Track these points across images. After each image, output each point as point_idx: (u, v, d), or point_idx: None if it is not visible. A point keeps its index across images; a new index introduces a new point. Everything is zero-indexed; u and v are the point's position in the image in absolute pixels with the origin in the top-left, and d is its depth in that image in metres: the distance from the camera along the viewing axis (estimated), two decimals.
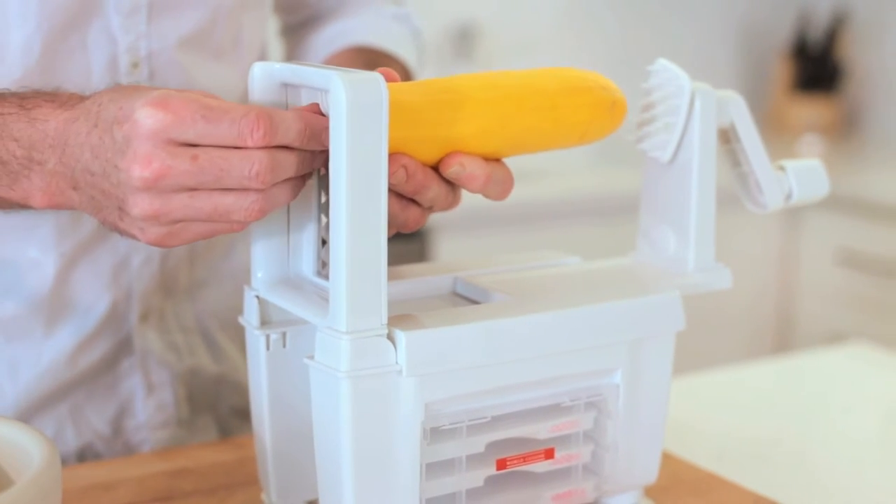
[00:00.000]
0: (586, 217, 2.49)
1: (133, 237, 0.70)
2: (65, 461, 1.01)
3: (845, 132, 3.33)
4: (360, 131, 0.64)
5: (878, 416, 1.18)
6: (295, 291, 0.74)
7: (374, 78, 0.65)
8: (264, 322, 0.76)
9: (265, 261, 0.75)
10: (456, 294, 0.79)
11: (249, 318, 0.76)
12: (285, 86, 0.73)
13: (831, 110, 3.24)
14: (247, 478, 0.87)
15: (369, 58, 1.06)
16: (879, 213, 2.69)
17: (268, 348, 0.75)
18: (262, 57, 1.08)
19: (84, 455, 1.00)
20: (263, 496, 0.80)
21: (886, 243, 2.68)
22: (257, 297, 0.75)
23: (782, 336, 2.93)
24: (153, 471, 0.88)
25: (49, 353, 0.96)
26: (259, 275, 0.75)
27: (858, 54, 3.38)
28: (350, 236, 0.65)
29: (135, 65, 0.94)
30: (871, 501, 0.95)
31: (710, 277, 0.81)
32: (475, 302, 0.77)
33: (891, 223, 2.67)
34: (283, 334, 0.75)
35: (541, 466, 0.75)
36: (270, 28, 1.14)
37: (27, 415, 0.98)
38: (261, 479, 0.79)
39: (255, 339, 0.76)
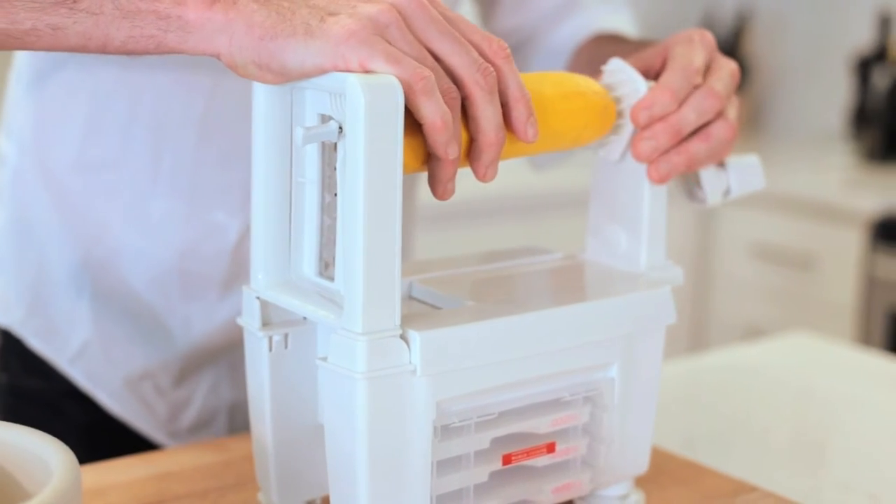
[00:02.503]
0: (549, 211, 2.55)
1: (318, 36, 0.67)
2: (215, 416, 1.10)
3: (751, 127, 3.42)
4: (377, 135, 0.65)
5: (831, 400, 1.22)
6: (298, 293, 0.74)
7: (391, 82, 0.65)
8: (265, 323, 0.76)
9: (265, 262, 0.75)
10: (412, 298, 0.79)
11: (250, 319, 0.76)
12: (291, 88, 0.73)
13: (737, 106, 3.31)
14: (236, 479, 0.87)
15: (612, 41, 1.08)
16: (789, 206, 2.77)
17: (270, 350, 0.75)
18: None
19: (234, 411, 1.08)
20: (260, 496, 0.80)
21: (797, 236, 2.76)
22: (258, 298, 0.75)
23: (698, 330, 2.99)
24: (140, 475, 0.87)
25: (222, 313, 1.02)
26: (260, 276, 0.75)
27: (763, 51, 3.46)
28: (366, 238, 0.65)
29: None
30: (834, 479, 0.99)
31: (665, 276, 0.83)
32: (432, 306, 0.77)
33: (800, 216, 2.75)
34: (286, 335, 0.76)
35: (542, 460, 0.77)
36: None
37: (191, 366, 1.07)
38: (259, 481, 0.79)
39: (257, 340, 0.76)
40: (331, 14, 0.67)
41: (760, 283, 2.86)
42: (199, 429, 1.10)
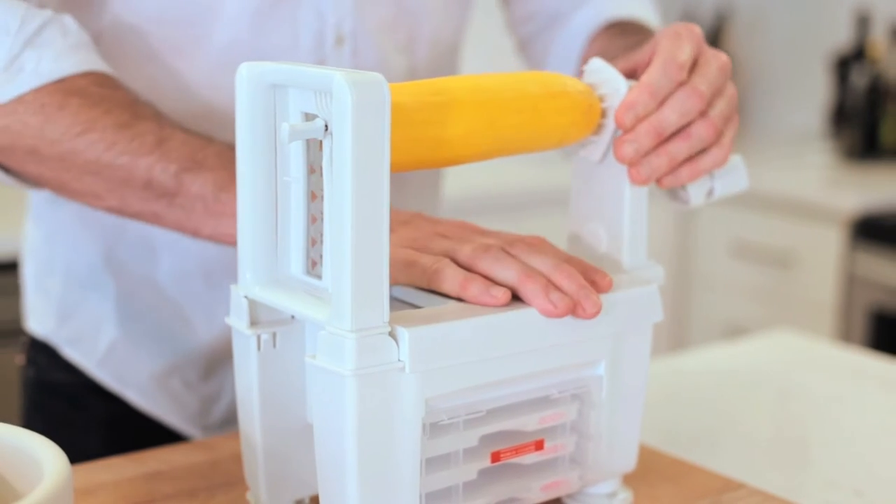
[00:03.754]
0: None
1: None
2: None
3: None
4: (365, 132, 0.65)
5: (815, 398, 1.22)
6: (286, 291, 0.74)
7: (377, 79, 0.65)
8: (253, 322, 0.76)
9: (253, 261, 0.75)
10: (393, 298, 0.78)
11: (238, 318, 0.76)
12: (274, 87, 0.73)
13: None
14: (224, 478, 0.87)
15: (624, 31, 1.09)
16: (769, 205, 2.78)
17: (259, 349, 0.75)
18: (453, 54, 1.14)
19: None
20: (249, 496, 0.80)
21: (777, 234, 2.77)
22: (246, 297, 0.75)
23: (678, 328, 3.00)
24: (128, 475, 0.87)
25: None
26: (247, 275, 0.75)
27: (742, 50, 3.48)
28: (354, 236, 0.65)
29: (339, 41, 1.00)
30: (819, 476, 1.00)
31: (646, 275, 0.83)
32: (413, 306, 0.76)
33: (780, 214, 2.76)
34: (274, 334, 0.76)
35: (530, 458, 0.77)
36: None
37: (218, 358, 1.08)
38: (248, 480, 0.79)
39: (245, 339, 0.76)
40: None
41: (741, 282, 2.87)
42: (232, 421, 1.11)
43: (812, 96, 3.33)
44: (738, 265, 2.87)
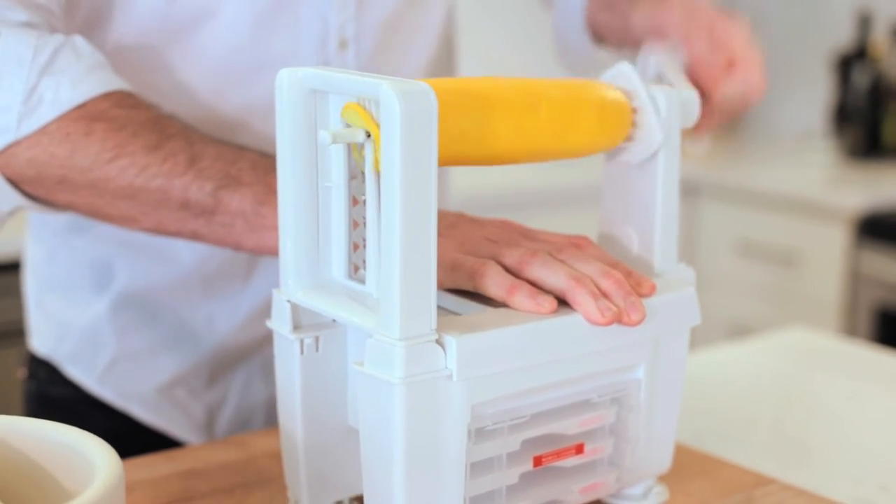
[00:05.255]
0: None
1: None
2: (252, 413, 1.11)
3: (733, 125, 3.44)
4: (413, 141, 0.65)
5: (833, 396, 1.23)
6: (328, 295, 0.74)
7: (425, 89, 0.66)
8: (296, 327, 0.76)
9: (296, 266, 0.75)
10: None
11: (281, 323, 0.76)
12: (314, 92, 0.74)
13: None
14: (259, 476, 0.88)
15: None
16: (772, 203, 2.79)
17: (302, 353, 0.76)
18: (447, 39, 1.15)
19: (271, 407, 1.09)
20: (290, 495, 0.80)
21: (781, 232, 2.78)
22: (289, 301, 0.76)
23: None
24: (165, 472, 0.88)
25: (244, 307, 1.04)
26: (290, 280, 0.76)
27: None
28: (404, 244, 0.66)
29: (343, 45, 1.00)
30: (842, 472, 1.01)
31: (678, 278, 0.84)
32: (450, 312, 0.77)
33: (784, 213, 2.77)
34: (317, 338, 0.76)
35: (570, 461, 0.77)
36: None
37: (222, 364, 1.08)
38: (288, 481, 0.80)
39: (288, 344, 0.76)
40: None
41: (745, 280, 2.88)
42: (238, 428, 1.11)
43: (814, 95, 3.34)
44: (743, 264, 2.88)
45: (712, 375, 1.29)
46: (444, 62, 1.14)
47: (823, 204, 2.68)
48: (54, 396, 1.13)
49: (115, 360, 1.09)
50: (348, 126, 0.71)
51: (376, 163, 0.68)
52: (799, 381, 1.27)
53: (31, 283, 1.15)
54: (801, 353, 1.39)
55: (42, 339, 1.14)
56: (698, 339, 3.10)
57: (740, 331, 2.77)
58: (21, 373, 1.17)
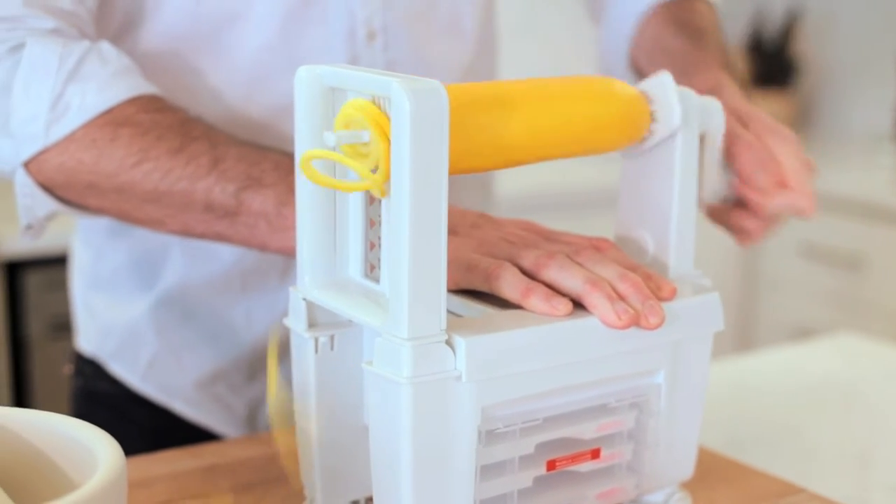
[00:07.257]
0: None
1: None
2: None
3: (800, 127, 3.39)
4: (423, 139, 0.64)
5: (878, 402, 1.21)
6: (344, 294, 0.74)
7: (435, 87, 0.65)
8: (311, 325, 0.76)
9: (312, 264, 0.75)
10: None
11: (296, 321, 0.76)
12: (333, 90, 0.73)
13: (786, 105, 3.29)
14: (280, 472, 0.87)
15: (681, 10, 1.09)
16: (838, 206, 2.74)
17: (316, 351, 0.76)
18: (486, 38, 1.13)
19: None
20: (306, 493, 0.80)
21: (847, 236, 2.73)
22: (304, 299, 0.75)
23: (745, 331, 2.97)
24: (186, 468, 0.88)
25: (283, 302, 1.04)
26: (306, 278, 0.75)
27: (812, 50, 3.43)
28: (413, 244, 0.65)
29: (371, 36, 1.00)
30: (881, 480, 0.98)
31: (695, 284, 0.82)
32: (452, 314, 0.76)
33: (850, 216, 2.72)
34: (332, 337, 0.76)
35: (586, 466, 0.76)
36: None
37: (259, 361, 1.09)
38: (304, 479, 0.79)
39: (304, 342, 0.76)
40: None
41: (809, 284, 2.83)
42: None
43: (883, 97, 3.27)
44: (807, 267, 2.84)
45: (758, 379, 1.27)
46: (483, 61, 1.12)
47: (891, 207, 2.62)
48: (100, 393, 1.15)
49: (155, 357, 1.10)
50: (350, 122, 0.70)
51: (384, 160, 0.67)
52: (846, 387, 1.25)
53: (78, 283, 1.17)
54: (852, 358, 1.36)
55: (87, 338, 1.15)
56: (760, 341, 3.06)
57: (803, 334, 2.73)
58: (68, 369, 1.18)
